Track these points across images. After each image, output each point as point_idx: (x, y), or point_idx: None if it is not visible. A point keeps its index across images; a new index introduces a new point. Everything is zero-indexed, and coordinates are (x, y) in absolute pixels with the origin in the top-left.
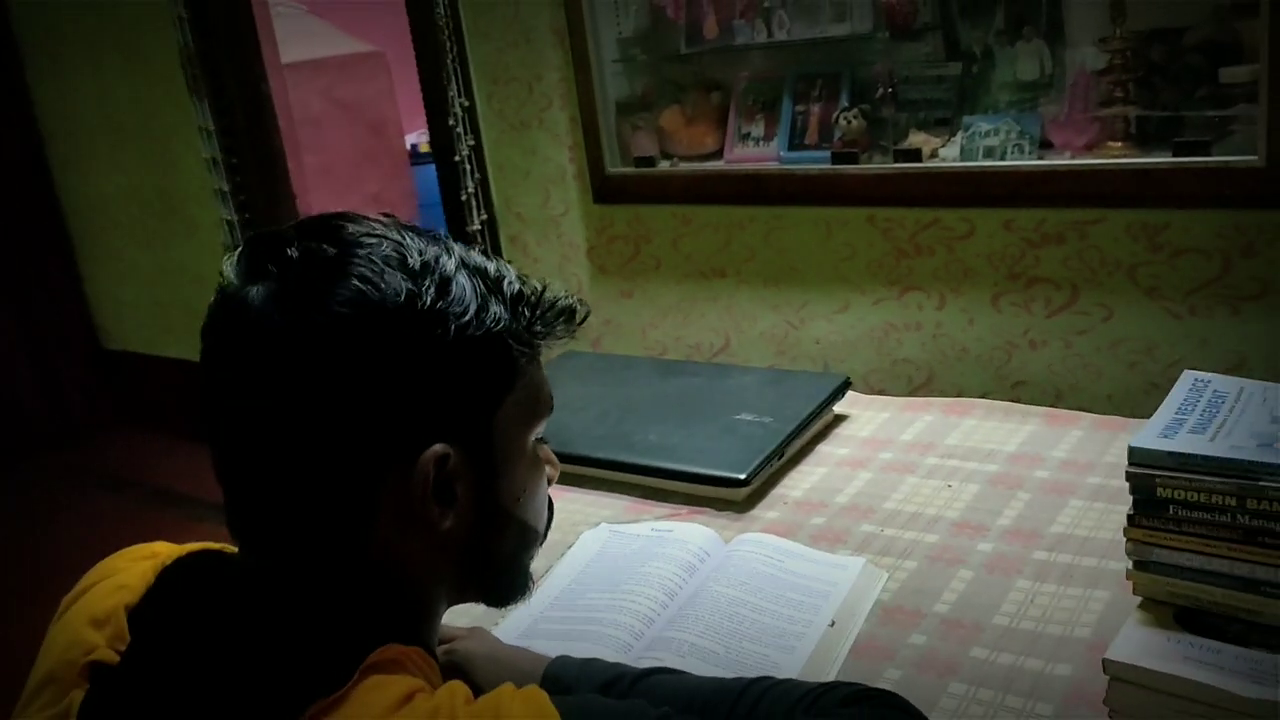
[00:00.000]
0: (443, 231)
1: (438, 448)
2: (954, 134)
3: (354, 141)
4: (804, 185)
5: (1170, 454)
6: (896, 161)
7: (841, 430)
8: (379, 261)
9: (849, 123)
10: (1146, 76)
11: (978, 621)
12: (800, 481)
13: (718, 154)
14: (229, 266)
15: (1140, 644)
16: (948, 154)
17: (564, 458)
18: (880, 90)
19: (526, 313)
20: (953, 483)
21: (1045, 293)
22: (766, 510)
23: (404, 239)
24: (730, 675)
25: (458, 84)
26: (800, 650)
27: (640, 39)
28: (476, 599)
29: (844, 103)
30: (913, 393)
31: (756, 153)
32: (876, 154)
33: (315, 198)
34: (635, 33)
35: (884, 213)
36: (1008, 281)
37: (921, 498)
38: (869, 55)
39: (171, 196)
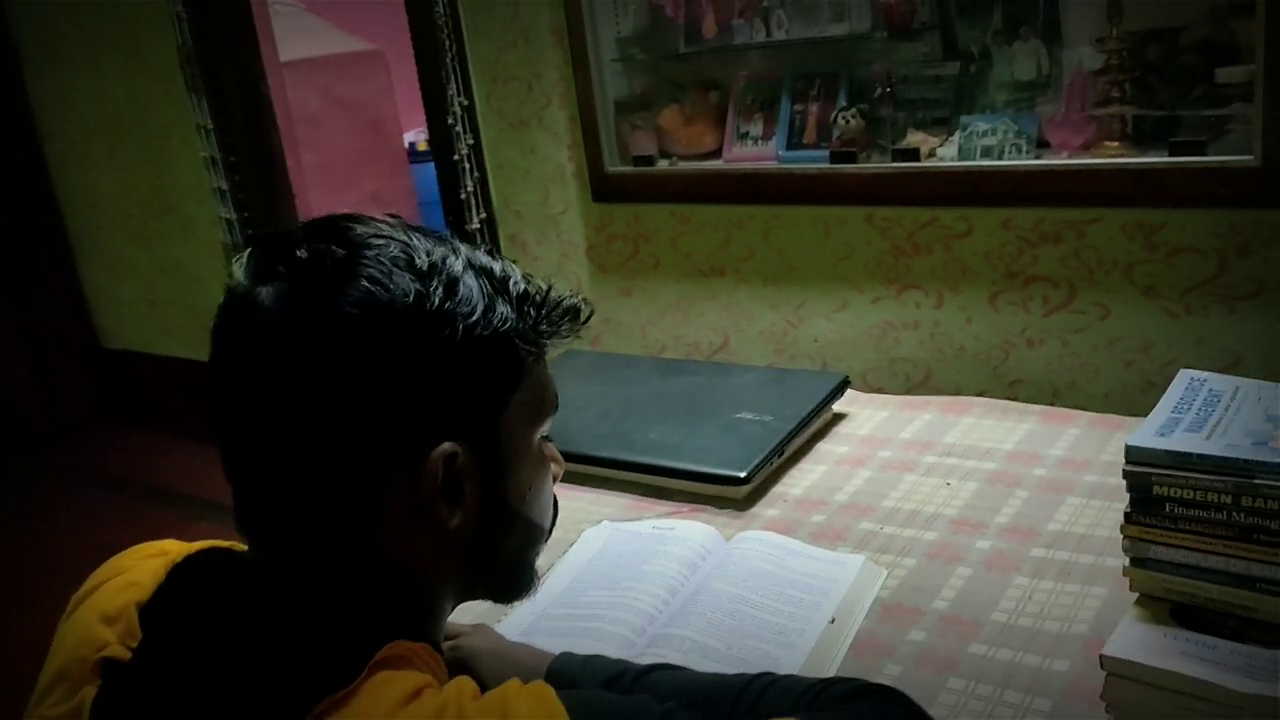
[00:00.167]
0: (448, 232)
1: (446, 446)
2: (952, 133)
3: (352, 140)
4: (802, 184)
5: (1167, 452)
6: (894, 161)
7: (840, 428)
8: (387, 262)
9: (847, 122)
10: (1143, 76)
11: (976, 618)
12: (800, 479)
13: (716, 153)
14: (238, 267)
15: (1137, 640)
16: (945, 153)
17: (566, 456)
18: (878, 90)
19: (532, 312)
20: (951, 480)
21: (1042, 292)
22: (767, 508)
23: (411, 240)
24: (732, 671)
25: (457, 83)
26: (801, 646)
27: (639, 38)
28: (483, 596)
29: (842, 102)
30: (910, 391)
31: (755, 152)
32: (875, 153)
33: (314, 196)
34: (634, 32)
35: (882, 212)
36: (1005, 280)
37: (920, 495)
38: (867, 55)
39: (170, 195)
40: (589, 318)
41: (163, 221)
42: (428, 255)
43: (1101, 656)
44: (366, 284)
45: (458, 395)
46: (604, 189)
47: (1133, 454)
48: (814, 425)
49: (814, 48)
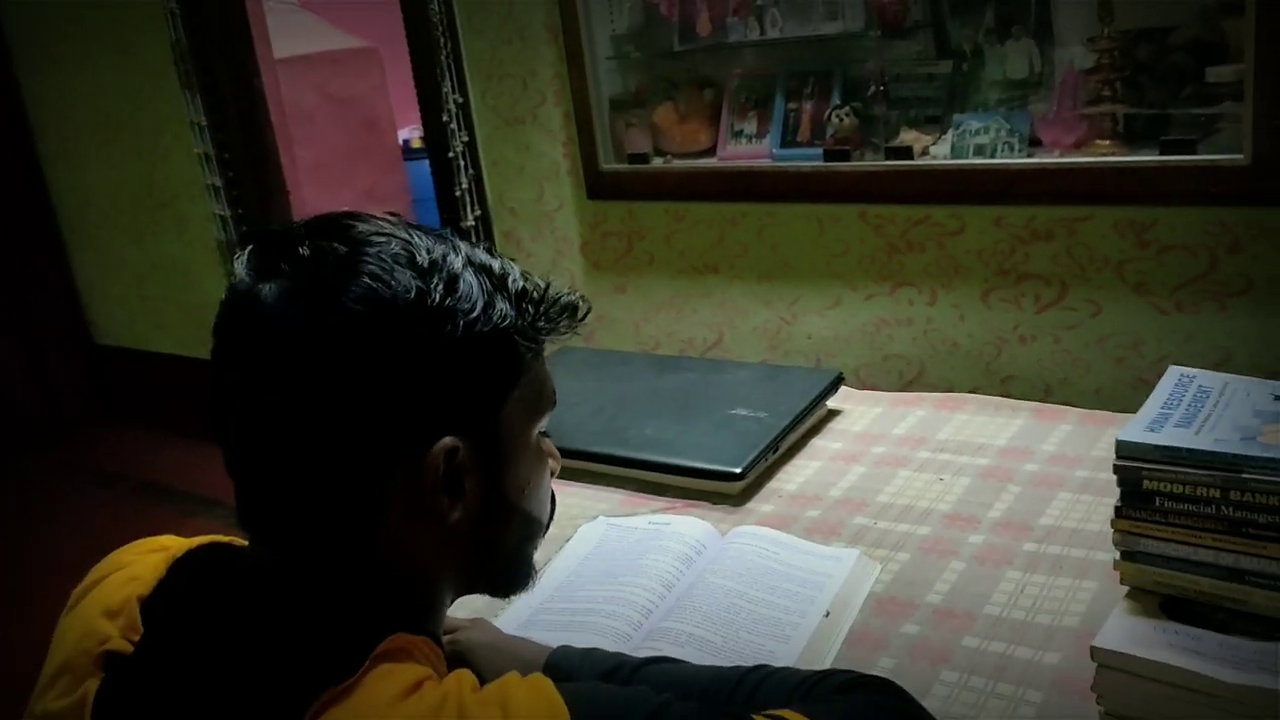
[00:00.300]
0: (447, 230)
1: (447, 441)
2: (945, 132)
3: (347, 137)
4: (796, 182)
5: (1156, 447)
6: (888, 159)
7: (835, 425)
8: (389, 259)
9: (841, 120)
10: (1134, 75)
11: (969, 611)
12: (794, 475)
13: (710, 151)
14: (239, 264)
15: (1127, 632)
16: (938, 151)
17: (561, 452)
18: (872, 88)
19: (531, 309)
20: (944, 476)
21: (1034, 289)
22: (762, 504)
23: (412, 238)
24: (728, 664)
25: (451, 80)
26: (796, 640)
27: (633, 36)
28: (482, 590)
29: (836, 100)
30: (903, 387)
31: (749, 150)
32: (868, 151)
33: (308, 193)
34: (628, 30)
35: (875, 209)
36: (998, 277)
37: (914, 491)
38: (860, 53)
39: (163, 191)
40: (587, 314)
41: (156, 218)
42: (428, 253)
43: (1092, 649)
44: (368, 281)
45: (458, 391)
46: (598, 186)
47: (1123, 449)
48: (808, 421)
49: (808, 46)
